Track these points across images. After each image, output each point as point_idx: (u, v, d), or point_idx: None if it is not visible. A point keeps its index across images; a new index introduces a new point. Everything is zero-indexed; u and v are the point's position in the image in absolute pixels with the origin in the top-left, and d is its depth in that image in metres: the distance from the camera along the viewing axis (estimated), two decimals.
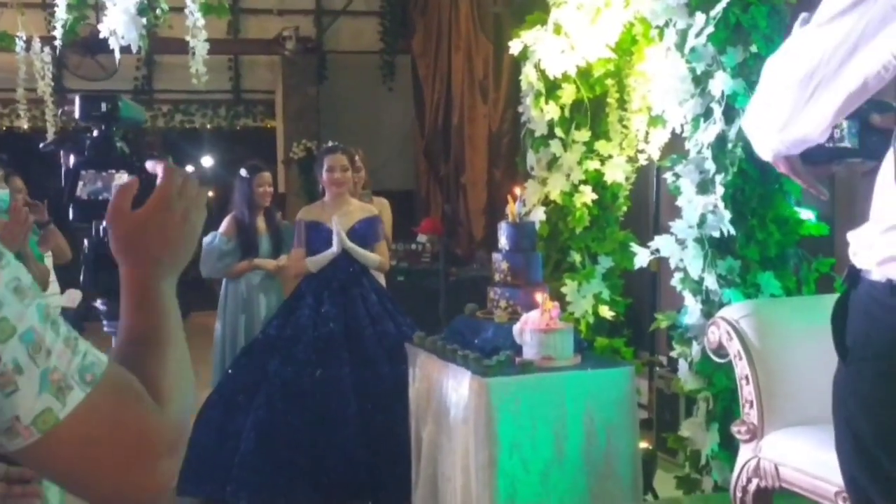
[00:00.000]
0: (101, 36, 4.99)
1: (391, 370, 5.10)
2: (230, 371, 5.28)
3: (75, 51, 9.89)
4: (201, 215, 1.19)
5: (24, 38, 7.20)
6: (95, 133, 1.33)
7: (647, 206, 5.89)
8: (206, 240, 5.74)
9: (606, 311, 5.03)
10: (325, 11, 10.74)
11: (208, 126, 11.82)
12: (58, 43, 5.55)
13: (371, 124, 10.53)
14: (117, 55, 5.07)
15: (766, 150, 1.79)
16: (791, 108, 1.64)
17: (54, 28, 5.62)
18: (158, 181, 1.17)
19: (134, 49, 5.09)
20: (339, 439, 4.98)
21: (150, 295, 1.12)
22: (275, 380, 5.03)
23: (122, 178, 1.28)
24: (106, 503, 1.03)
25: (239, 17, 10.62)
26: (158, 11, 4.66)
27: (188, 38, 5.14)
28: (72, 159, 1.33)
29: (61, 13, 5.29)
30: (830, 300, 3.46)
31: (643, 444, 4.38)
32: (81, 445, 0.96)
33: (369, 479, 4.99)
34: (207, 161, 16.18)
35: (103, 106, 1.31)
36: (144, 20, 4.90)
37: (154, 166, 1.19)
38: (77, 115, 1.28)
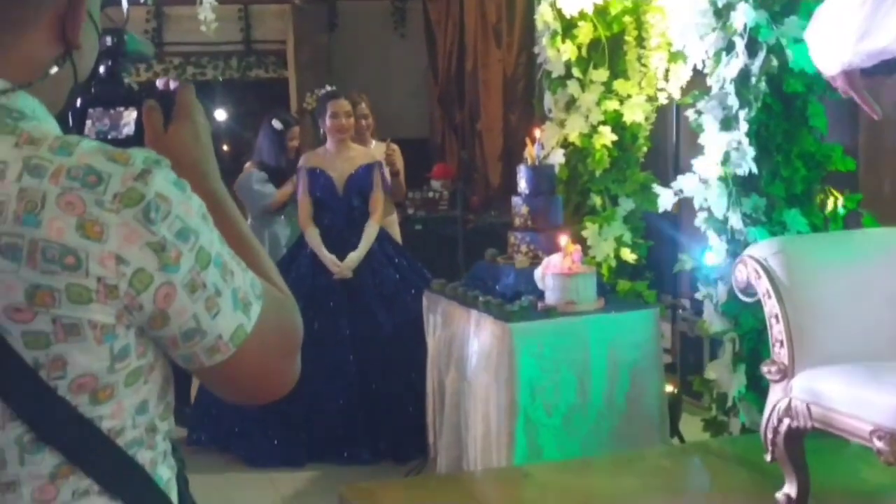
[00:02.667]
0: None
1: (389, 318, 5.11)
2: None
3: None
4: (209, 129, 1.25)
5: None
6: (102, 69, 1.26)
7: (668, 147, 5.79)
8: (241, 181, 5.73)
9: (628, 254, 4.96)
10: None
11: (220, 78, 11.69)
12: None
13: (384, 72, 10.39)
14: (125, 5, 4.96)
15: (833, 63, 1.72)
16: (870, 18, 1.57)
17: None
18: (178, 95, 1.21)
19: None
20: (336, 390, 4.98)
21: (220, 202, 1.17)
22: None
23: (132, 114, 1.22)
24: (260, 400, 1.15)
25: None
26: None
27: None
28: (78, 99, 1.26)
29: None
30: (860, 236, 3.43)
31: (668, 388, 4.33)
32: (260, 351, 1.06)
33: (367, 430, 5.01)
34: (220, 114, 16.10)
35: (108, 40, 1.25)
36: None
37: (164, 83, 1.23)
38: None
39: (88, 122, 1.23)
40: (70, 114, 1.26)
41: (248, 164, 5.93)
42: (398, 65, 10.62)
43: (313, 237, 5.18)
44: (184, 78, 11.33)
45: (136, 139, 1.20)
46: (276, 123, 5.87)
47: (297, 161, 5.80)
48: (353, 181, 5.22)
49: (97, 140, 1.20)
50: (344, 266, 5.09)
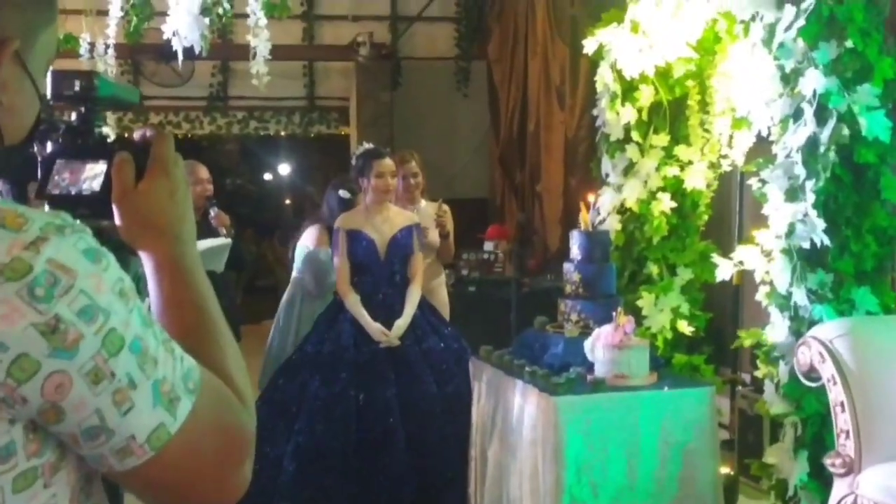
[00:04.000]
0: (164, 37, 4.88)
1: (439, 390, 4.85)
2: (265, 393, 4.91)
3: (150, 57, 9.94)
4: (187, 185, 1.11)
5: (89, 40, 7.16)
6: (73, 116, 1.13)
7: (730, 215, 5.58)
8: (307, 256, 5.59)
9: (685, 327, 4.76)
10: (399, 17, 10.60)
11: (283, 133, 11.76)
12: (111, 41, 5.45)
13: (446, 131, 10.36)
14: (180, 56, 4.95)
15: None
16: None
17: (108, 26, 5.53)
18: (154, 146, 1.08)
19: (197, 51, 4.97)
20: (386, 463, 4.70)
21: (186, 273, 1.04)
22: (315, 402, 4.74)
23: (100, 168, 1.08)
24: None
25: (313, 23, 10.52)
26: (221, 10, 4.50)
27: (250, 38, 4.98)
28: (48, 148, 1.13)
29: (115, 11, 5.19)
30: None
31: (724, 469, 4.09)
32: (188, 457, 0.91)
33: (421, 501, 4.72)
34: (284, 168, 16.23)
35: (76, 84, 1.11)
36: (207, 20, 4.76)
37: (142, 135, 1.09)
38: (49, 95, 1.08)
39: (55, 177, 1.10)
40: (40, 164, 1.13)
41: (311, 228, 5.74)
42: (460, 124, 10.59)
43: (355, 304, 4.88)
44: (246, 132, 11.42)
45: (102, 196, 1.07)
46: (344, 193, 5.71)
47: None
48: (394, 244, 4.99)
49: (59, 196, 1.07)
50: (392, 334, 4.84)
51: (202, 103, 11.03)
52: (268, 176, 17.04)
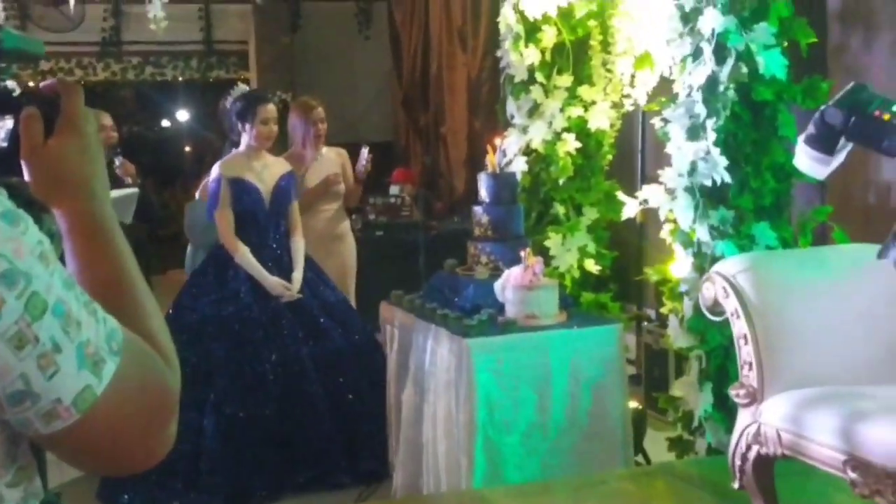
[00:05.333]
0: None
1: (346, 342, 4.76)
2: None
3: (38, 1, 9.56)
4: (99, 140, 1.08)
5: None
6: None
7: (633, 155, 5.66)
8: (191, 209, 5.45)
9: (592, 265, 4.82)
10: None
11: (180, 78, 11.46)
12: None
13: (348, 74, 10.22)
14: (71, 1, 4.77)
15: None
16: None
17: None
18: (63, 101, 1.04)
19: None
20: (310, 422, 4.59)
21: (102, 230, 1.02)
22: (228, 368, 4.53)
23: (6, 123, 1.05)
24: (118, 472, 0.98)
25: None
26: None
27: None
28: None
29: None
30: (832, 252, 3.29)
31: (632, 404, 4.19)
32: (115, 417, 0.90)
33: (347, 455, 4.65)
34: (182, 114, 15.85)
35: None
36: None
37: (49, 86, 1.06)
38: None
39: None
40: None
41: (205, 181, 5.57)
42: (362, 67, 10.46)
43: (247, 256, 4.60)
44: (142, 78, 11.11)
45: (10, 152, 1.03)
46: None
47: None
48: (278, 192, 4.77)
49: None
50: (294, 288, 4.68)
51: (95, 49, 10.68)
52: (166, 123, 16.65)
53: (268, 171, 4.76)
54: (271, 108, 4.76)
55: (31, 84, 1.13)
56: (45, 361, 0.84)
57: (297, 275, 4.73)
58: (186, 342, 4.44)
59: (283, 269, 4.73)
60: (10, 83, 1.16)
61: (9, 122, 1.05)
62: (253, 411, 4.50)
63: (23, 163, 1.03)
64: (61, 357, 0.85)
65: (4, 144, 1.05)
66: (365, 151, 5.40)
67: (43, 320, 0.84)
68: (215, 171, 4.69)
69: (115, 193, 4.43)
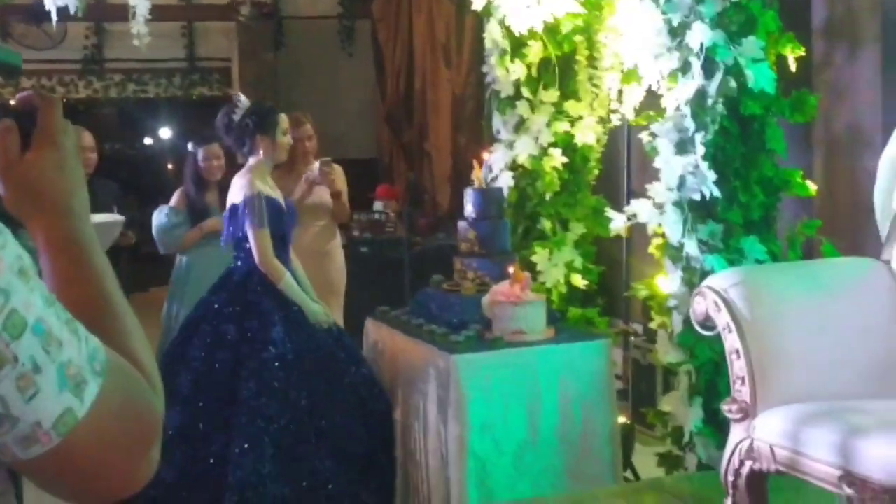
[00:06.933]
0: None
1: (357, 371, 4.25)
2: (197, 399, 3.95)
3: (20, 19, 9.52)
4: (78, 155, 1.04)
5: None
6: None
7: (619, 170, 5.65)
8: (156, 215, 5.42)
9: (579, 280, 4.80)
10: None
11: (163, 95, 11.42)
12: None
13: (331, 91, 10.21)
14: (54, 17, 4.74)
15: None
16: None
17: None
18: (40, 115, 1.00)
19: (72, 11, 4.76)
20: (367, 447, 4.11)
21: (80, 248, 0.98)
22: (299, 411, 3.92)
23: None
24: (98, 499, 0.94)
25: None
26: None
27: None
28: None
29: None
30: (823, 266, 3.28)
31: (620, 419, 4.16)
32: (96, 443, 0.86)
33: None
34: (165, 132, 15.81)
35: None
36: None
37: (24, 98, 1.01)
38: None
39: None
40: None
41: (178, 191, 5.46)
42: (345, 84, 10.46)
43: (292, 283, 4.14)
44: (124, 95, 11.06)
45: None
46: (190, 145, 5.46)
47: (224, 182, 5.10)
48: (291, 212, 4.44)
49: None
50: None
51: (77, 66, 10.64)
52: (148, 140, 16.59)
53: (276, 191, 4.39)
54: (286, 118, 4.47)
55: (8, 100, 1.09)
56: (25, 382, 0.79)
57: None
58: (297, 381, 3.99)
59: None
60: None
61: None
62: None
63: None
64: (41, 378, 0.80)
65: None
66: (316, 164, 5.23)
67: (22, 339, 0.79)
68: (249, 187, 4.16)
69: (99, 218, 4.28)
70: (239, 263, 4.23)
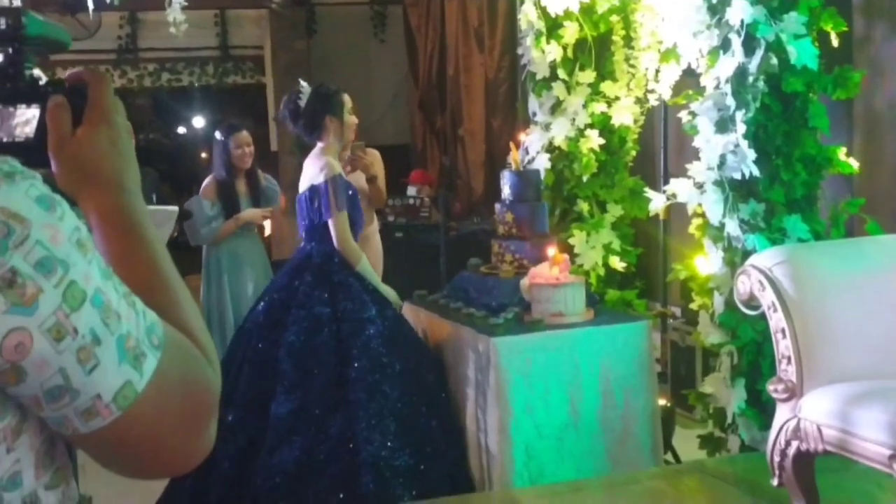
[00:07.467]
0: None
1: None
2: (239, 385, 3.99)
3: (55, 9, 9.57)
4: (129, 132, 1.03)
5: None
6: (0, 58, 1.04)
7: (655, 150, 5.60)
8: (194, 207, 5.43)
9: (617, 262, 4.77)
10: None
11: (196, 84, 11.46)
12: None
13: (363, 78, 10.19)
14: (90, 5, 4.76)
15: None
16: None
17: None
18: (91, 91, 0.99)
19: (108, 0, 4.78)
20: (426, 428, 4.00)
21: (134, 225, 0.97)
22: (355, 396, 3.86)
23: (33, 113, 1.00)
24: (158, 474, 0.94)
25: None
26: None
27: None
28: None
29: None
30: (868, 244, 3.23)
31: (661, 402, 4.13)
32: (155, 417, 0.85)
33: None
34: (199, 120, 15.88)
35: (2, 22, 1.02)
36: None
37: (75, 75, 1.01)
38: None
39: None
40: None
41: (208, 180, 5.49)
42: (378, 70, 10.44)
43: (367, 265, 4.19)
44: (158, 84, 11.11)
45: (37, 143, 0.99)
46: (218, 133, 5.45)
47: (253, 170, 5.44)
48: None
49: None
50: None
51: (111, 56, 10.69)
52: (182, 129, 16.68)
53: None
54: (349, 98, 4.45)
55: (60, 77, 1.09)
56: (85, 355, 0.79)
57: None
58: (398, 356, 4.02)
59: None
60: (36, 71, 1.12)
61: (35, 113, 1.01)
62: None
63: (50, 154, 0.98)
64: (101, 350, 0.80)
65: (31, 135, 1.00)
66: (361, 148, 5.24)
67: (82, 311, 0.79)
68: (328, 168, 4.14)
69: (153, 209, 4.28)
70: (314, 244, 4.22)
